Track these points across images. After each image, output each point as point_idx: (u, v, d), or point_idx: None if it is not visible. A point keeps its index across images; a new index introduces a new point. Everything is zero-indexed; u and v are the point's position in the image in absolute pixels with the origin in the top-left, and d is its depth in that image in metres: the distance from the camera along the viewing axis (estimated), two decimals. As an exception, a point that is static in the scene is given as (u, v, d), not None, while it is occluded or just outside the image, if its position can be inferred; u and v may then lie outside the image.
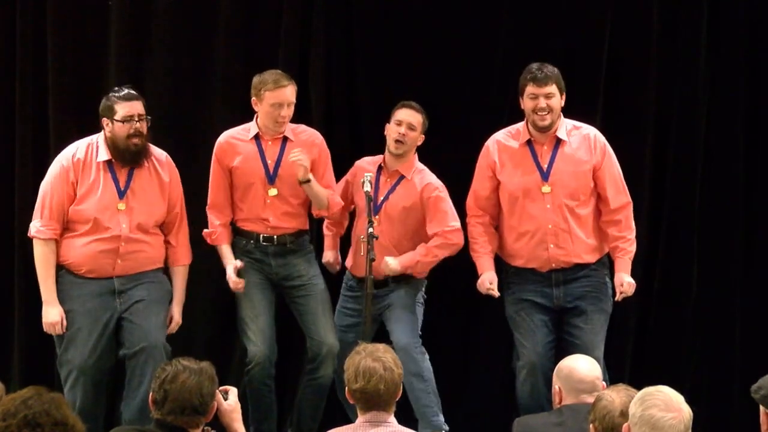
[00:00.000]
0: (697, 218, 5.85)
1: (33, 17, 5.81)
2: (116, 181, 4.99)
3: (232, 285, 5.15)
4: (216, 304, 5.76)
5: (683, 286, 5.85)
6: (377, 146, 5.36)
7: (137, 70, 5.74)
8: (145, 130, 4.98)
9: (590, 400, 3.83)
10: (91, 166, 4.99)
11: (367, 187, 5.00)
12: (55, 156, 5.15)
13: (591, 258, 5.15)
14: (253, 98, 5.15)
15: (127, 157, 4.98)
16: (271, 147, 5.20)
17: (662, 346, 5.84)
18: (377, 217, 5.15)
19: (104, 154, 4.99)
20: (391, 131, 5.20)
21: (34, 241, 5.01)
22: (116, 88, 5.07)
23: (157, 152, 5.11)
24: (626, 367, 5.74)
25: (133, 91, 5.02)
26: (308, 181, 5.06)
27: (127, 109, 4.94)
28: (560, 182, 5.09)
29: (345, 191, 5.33)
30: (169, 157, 5.14)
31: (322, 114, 5.77)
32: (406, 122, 5.17)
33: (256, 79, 5.14)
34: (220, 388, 3.57)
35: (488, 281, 5.17)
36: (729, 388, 5.78)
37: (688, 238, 5.86)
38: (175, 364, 3.48)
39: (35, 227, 5.00)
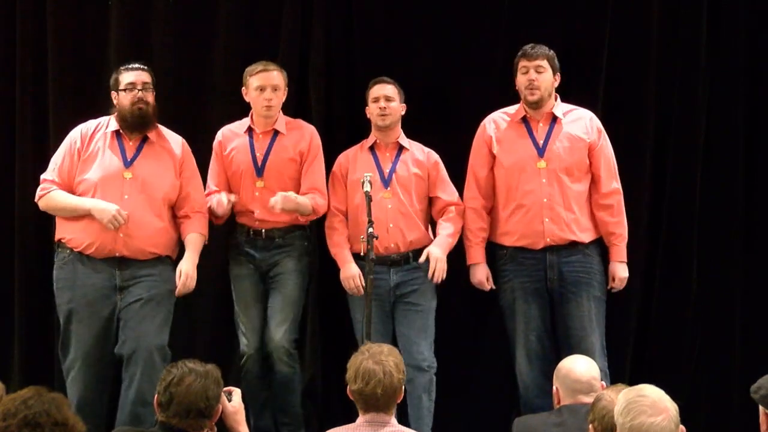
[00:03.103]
0: (697, 218, 5.85)
1: (33, 17, 5.81)
2: (123, 149, 5.03)
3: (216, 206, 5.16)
4: (216, 302, 5.76)
5: (683, 286, 5.85)
6: (377, 146, 5.37)
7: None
8: (149, 99, 5.04)
9: (587, 400, 3.85)
10: (99, 135, 5.05)
11: (367, 187, 4.97)
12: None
13: (585, 237, 5.17)
14: (243, 89, 5.25)
15: (132, 124, 5.02)
16: (261, 140, 5.25)
17: (662, 346, 5.84)
18: (388, 189, 5.22)
19: (114, 125, 5.06)
20: (371, 110, 5.29)
21: (44, 198, 5.03)
22: (126, 64, 5.16)
23: (171, 132, 5.15)
24: (626, 367, 5.73)
25: (139, 65, 5.11)
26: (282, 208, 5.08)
27: (130, 78, 5.04)
28: (556, 157, 5.13)
29: (334, 186, 5.32)
30: (183, 140, 5.17)
31: (322, 114, 5.77)
32: (383, 96, 5.26)
33: (245, 71, 5.24)
34: (224, 389, 3.57)
35: (483, 276, 5.23)
36: (729, 388, 5.78)
37: (688, 238, 5.85)
38: (181, 366, 3.46)
39: (39, 190, 5.05)
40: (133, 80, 5.03)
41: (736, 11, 5.86)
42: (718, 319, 5.88)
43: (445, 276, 5.15)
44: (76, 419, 2.91)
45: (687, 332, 5.85)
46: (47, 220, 5.61)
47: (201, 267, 5.35)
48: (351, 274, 5.19)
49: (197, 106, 5.85)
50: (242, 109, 5.38)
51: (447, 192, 5.31)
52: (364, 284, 5.06)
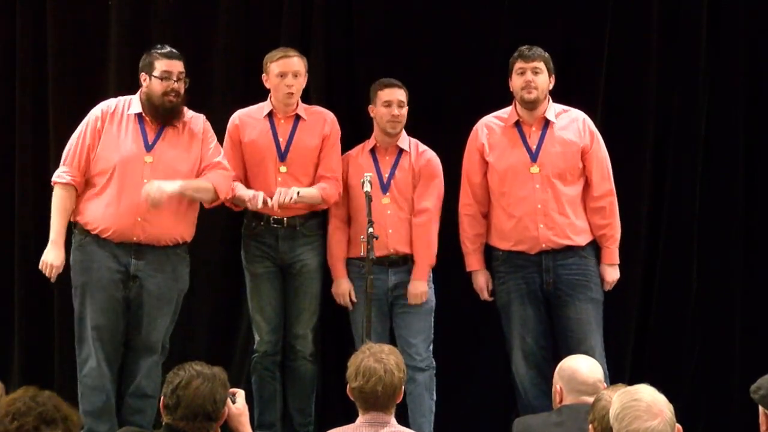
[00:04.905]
0: (697, 218, 5.85)
1: (33, 17, 5.81)
2: (144, 133, 4.97)
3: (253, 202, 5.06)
4: (217, 297, 5.78)
5: (683, 286, 5.85)
6: (377, 146, 5.36)
7: (138, 69, 5.73)
8: (182, 90, 4.98)
9: (590, 400, 3.83)
10: (121, 116, 4.99)
11: (367, 188, 4.96)
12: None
13: (581, 240, 5.16)
14: (263, 75, 5.21)
15: (159, 114, 4.96)
16: (283, 125, 5.23)
17: (662, 346, 5.84)
18: (387, 194, 5.22)
19: (136, 107, 5.00)
20: (382, 114, 5.23)
21: (54, 187, 4.98)
22: (159, 45, 5.09)
23: (191, 113, 5.08)
24: (626, 367, 5.74)
25: (175, 50, 5.04)
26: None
27: (165, 66, 4.96)
28: (549, 162, 5.12)
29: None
30: (204, 117, 5.12)
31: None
32: (396, 101, 5.22)
33: (265, 57, 5.19)
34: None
35: (483, 283, 5.26)
36: (729, 388, 5.78)
37: (688, 238, 5.85)
38: (188, 369, 3.43)
39: (56, 173, 4.98)
40: (170, 69, 4.95)
41: (736, 11, 5.86)
42: (718, 319, 5.88)
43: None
44: (76, 413, 2.90)
45: (687, 332, 5.85)
46: (47, 220, 5.62)
47: (201, 264, 5.36)
48: (342, 291, 5.26)
49: (197, 107, 5.83)
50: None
51: (425, 198, 5.26)
52: (354, 299, 5.20)
